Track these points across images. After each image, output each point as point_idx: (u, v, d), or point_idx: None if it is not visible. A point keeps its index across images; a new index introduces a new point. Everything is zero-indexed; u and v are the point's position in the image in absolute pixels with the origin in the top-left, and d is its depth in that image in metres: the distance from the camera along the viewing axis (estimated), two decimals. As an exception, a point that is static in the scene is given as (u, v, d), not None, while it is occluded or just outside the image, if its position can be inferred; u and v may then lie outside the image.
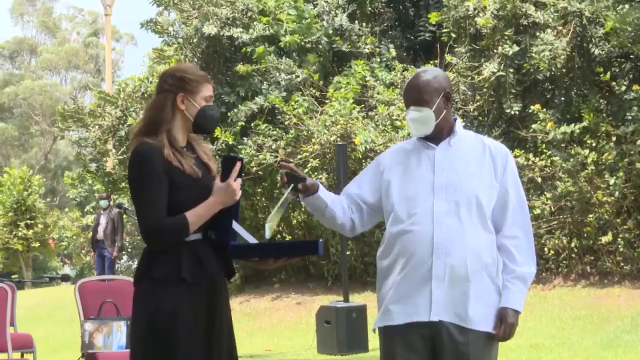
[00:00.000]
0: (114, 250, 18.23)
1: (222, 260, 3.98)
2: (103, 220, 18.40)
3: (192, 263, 3.85)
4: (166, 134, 3.92)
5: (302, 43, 16.73)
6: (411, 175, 4.02)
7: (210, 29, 16.72)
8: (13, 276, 26.78)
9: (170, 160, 3.86)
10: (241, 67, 16.35)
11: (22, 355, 9.29)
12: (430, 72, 4.14)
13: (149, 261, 3.90)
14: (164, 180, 3.83)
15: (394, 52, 16.61)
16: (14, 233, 28.68)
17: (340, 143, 13.28)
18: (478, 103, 15.37)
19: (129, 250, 30.72)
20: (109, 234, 18.19)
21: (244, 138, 16.28)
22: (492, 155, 4.05)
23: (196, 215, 3.84)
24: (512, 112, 14.73)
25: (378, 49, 16.88)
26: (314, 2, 17.48)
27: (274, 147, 15.89)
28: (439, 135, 4.05)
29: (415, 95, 4.01)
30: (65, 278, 10.37)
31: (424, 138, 4.06)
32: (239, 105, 16.42)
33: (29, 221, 28.90)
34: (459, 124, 4.13)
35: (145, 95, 18.43)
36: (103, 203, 18.67)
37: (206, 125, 4.02)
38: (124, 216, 18.81)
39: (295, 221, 16.25)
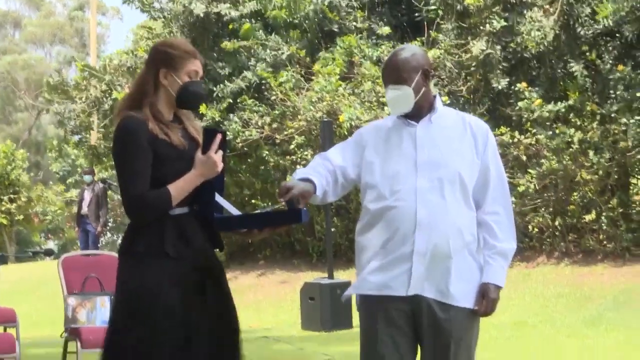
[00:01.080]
0: (97, 226, 18.20)
1: (209, 233, 3.96)
2: (87, 196, 18.34)
3: (176, 237, 3.84)
4: (149, 107, 3.91)
5: (290, 19, 16.68)
6: (393, 153, 4.01)
7: (198, 8, 16.65)
8: (-5, 251, 26.71)
9: (156, 133, 3.85)
10: (227, 44, 16.32)
11: (4, 330, 9.27)
12: (408, 49, 4.13)
13: (133, 236, 3.89)
14: (148, 153, 3.83)
15: (387, 30, 16.49)
16: (-3, 208, 28.60)
17: (326, 119, 13.28)
18: (464, 80, 15.37)
19: (112, 225, 30.68)
20: (93, 209, 18.15)
21: (230, 114, 16.26)
22: (472, 132, 4.06)
23: (178, 188, 3.83)
24: (499, 88, 14.73)
25: (367, 24, 16.82)
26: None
27: (259, 123, 15.87)
28: (419, 112, 4.04)
29: (394, 73, 4.01)
30: (49, 253, 10.37)
31: (404, 116, 4.06)
32: (226, 82, 16.40)
33: (12, 195, 28.81)
34: (439, 100, 4.13)
35: (131, 69, 18.37)
36: (87, 178, 18.61)
37: (189, 101, 4.01)
38: (108, 191, 18.78)
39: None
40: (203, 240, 3.93)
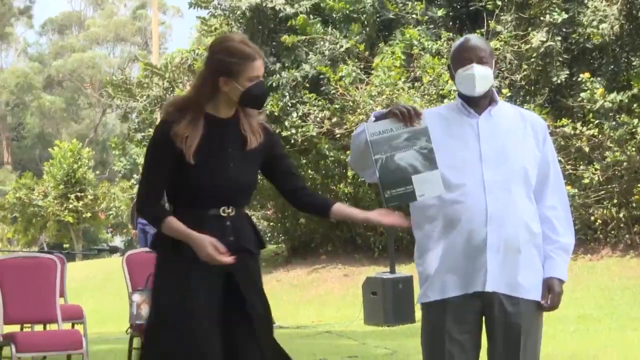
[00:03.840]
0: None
1: (239, 235, 3.94)
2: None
3: None
4: (195, 111, 3.89)
5: (348, 12, 16.64)
6: (455, 143, 3.92)
7: (246, 2, 16.69)
8: (65, 246, 27.10)
9: (181, 142, 3.83)
10: (286, 38, 16.29)
11: (72, 326, 9.41)
12: (481, 38, 4.12)
13: (159, 235, 3.95)
14: (166, 165, 3.86)
15: (441, 11, 16.34)
16: (64, 205, 29.00)
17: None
18: (525, 72, 15.19)
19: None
20: None
21: (289, 108, 16.22)
22: (532, 127, 4.01)
23: (174, 230, 3.84)
24: (559, 80, 14.54)
25: (425, 17, 16.69)
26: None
27: (319, 117, 15.85)
28: (481, 102, 3.97)
29: (480, 52, 3.92)
30: (114, 250, 10.49)
31: (467, 102, 3.97)
32: (282, 73, 16.39)
33: (79, 193, 29.20)
34: (495, 93, 4.07)
35: (193, 67, 18.51)
36: None
37: (252, 103, 3.97)
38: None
39: (341, 192, 16.24)
40: (232, 241, 3.88)
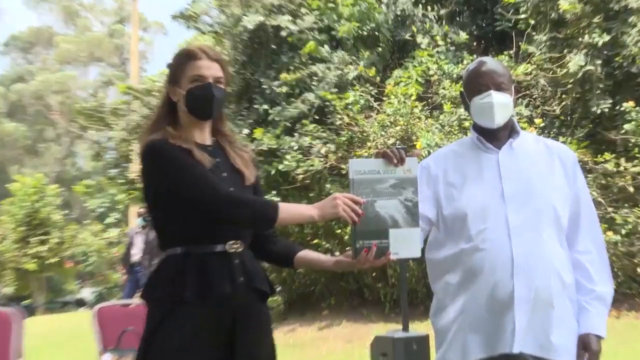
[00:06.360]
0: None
1: (251, 276, 3.88)
2: (139, 241, 18.15)
3: (199, 281, 3.76)
4: (168, 130, 3.86)
5: (359, 32, 16.73)
6: (473, 184, 3.95)
7: (254, 18, 16.79)
8: (25, 301, 27.09)
9: (180, 145, 3.79)
10: (286, 77, 16.37)
11: (31, 391, 9.35)
12: (497, 61, 4.13)
13: (154, 280, 3.87)
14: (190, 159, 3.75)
15: (464, 36, 16.44)
16: (24, 251, 28.94)
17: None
18: (562, 101, 15.23)
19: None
20: (147, 257, 17.94)
21: (288, 137, 16.25)
22: (561, 159, 4.02)
23: (287, 211, 3.69)
24: (600, 110, 14.58)
25: (447, 39, 16.77)
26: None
27: (322, 151, 15.85)
28: (499, 134, 3.99)
29: (498, 78, 3.96)
30: (80, 303, 10.47)
31: (484, 137, 3.99)
32: (283, 103, 16.44)
33: (42, 236, 29.16)
34: (517, 123, 4.08)
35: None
36: (140, 221, 18.37)
37: (199, 108, 3.88)
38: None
39: (346, 236, 16.23)
40: (235, 283, 3.83)
